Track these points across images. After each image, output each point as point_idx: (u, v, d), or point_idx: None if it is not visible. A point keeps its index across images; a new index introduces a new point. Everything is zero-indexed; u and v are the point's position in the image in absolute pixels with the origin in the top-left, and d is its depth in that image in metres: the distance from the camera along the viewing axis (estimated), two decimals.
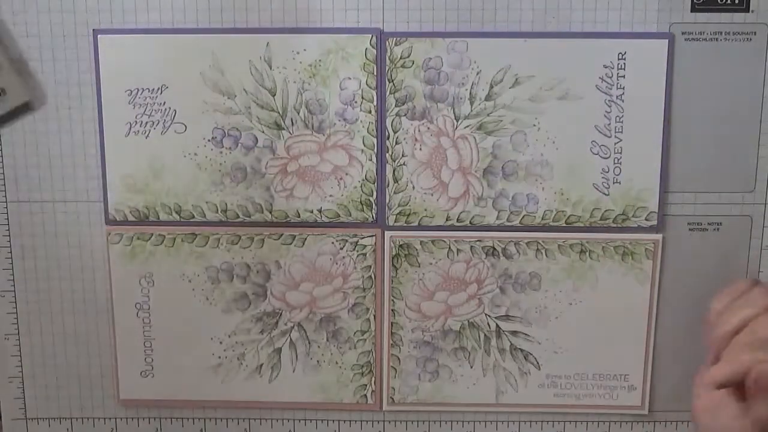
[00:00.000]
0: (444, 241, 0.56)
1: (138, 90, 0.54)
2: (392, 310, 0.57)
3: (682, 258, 0.56)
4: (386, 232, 0.56)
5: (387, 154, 0.55)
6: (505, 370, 0.58)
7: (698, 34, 0.53)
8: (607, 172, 0.54)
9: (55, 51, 0.54)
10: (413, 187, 0.55)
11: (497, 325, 0.57)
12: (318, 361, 0.58)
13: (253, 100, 0.54)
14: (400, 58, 0.53)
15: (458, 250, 0.56)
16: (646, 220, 0.55)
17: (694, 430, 0.56)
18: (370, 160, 0.55)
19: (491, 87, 0.53)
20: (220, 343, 0.58)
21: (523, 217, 0.55)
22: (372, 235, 0.56)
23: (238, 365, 0.58)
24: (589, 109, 0.53)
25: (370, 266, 0.56)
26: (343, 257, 0.56)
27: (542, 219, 0.55)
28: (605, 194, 0.55)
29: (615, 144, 0.54)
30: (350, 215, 0.56)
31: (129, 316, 0.57)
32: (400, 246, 0.56)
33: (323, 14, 0.53)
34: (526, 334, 0.57)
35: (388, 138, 0.54)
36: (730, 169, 0.55)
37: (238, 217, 0.56)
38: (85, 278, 0.57)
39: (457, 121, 0.54)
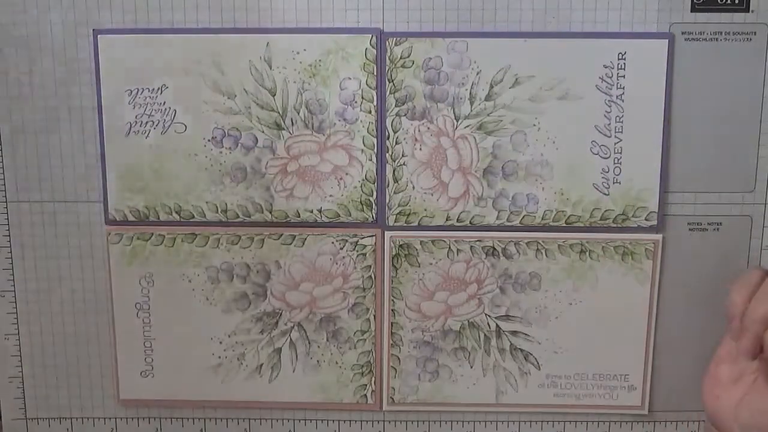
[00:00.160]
0: (444, 241, 0.56)
1: (138, 90, 0.54)
2: (392, 310, 0.57)
3: (682, 258, 0.56)
4: (386, 232, 0.56)
5: (387, 154, 0.55)
6: (505, 370, 0.58)
7: (698, 34, 0.53)
8: (607, 172, 0.54)
9: (55, 51, 0.54)
10: (413, 187, 0.55)
11: (497, 325, 0.57)
12: (318, 361, 0.58)
13: (253, 100, 0.54)
14: (400, 58, 0.53)
15: (458, 250, 0.56)
16: (646, 220, 0.55)
17: (705, 430, 0.56)
18: (370, 160, 0.55)
19: (491, 87, 0.53)
20: (220, 343, 0.58)
21: (523, 217, 0.55)
22: (372, 235, 0.56)
23: (238, 365, 0.58)
24: (589, 109, 0.53)
25: (370, 266, 0.56)
26: (343, 257, 0.56)
27: (542, 219, 0.55)
28: (605, 194, 0.55)
29: (615, 144, 0.54)
30: (350, 215, 0.56)
31: (129, 316, 0.57)
32: (400, 246, 0.56)
33: (323, 14, 0.53)
34: (526, 334, 0.57)
35: (388, 138, 0.54)
36: (730, 169, 0.55)
37: (238, 217, 0.56)
38: (85, 278, 0.57)
39: (457, 121, 0.54)
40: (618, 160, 0.54)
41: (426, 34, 0.53)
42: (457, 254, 0.56)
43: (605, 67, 0.53)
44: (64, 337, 0.58)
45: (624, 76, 0.53)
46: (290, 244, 0.56)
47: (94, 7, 0.53)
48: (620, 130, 0.54)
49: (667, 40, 0.52)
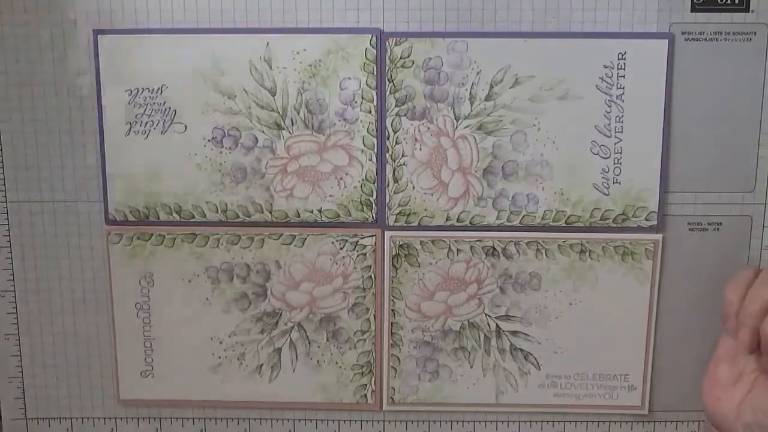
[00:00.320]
0: (444, 241, 0.56)
1: (138, 90, 0.54)
2: (392, 310, 0.57)
3: (682, 258, 0.56)
4: (386, 232, 0.56)
5: (387, 154, 0.55)
6: (505, 370, 0.58)
7: (698, 34, 0.53)
8: (607, 172, 0.54)
9: (55, 51, 0.54)
10: (413, 187, 0.55)
11: (497, 325, 0.57)
12: (318, 361, 0.58)
13: (253, 100, 0.54)
14: (400, 58, 0.53)
15: (458, 250, 0.56)
16: (646, 220, 0.55)
17: (705, 430, 0.56)
18: (370, 160, 0.55)
19: (491, 87, 0.53)
20: (220, 343, 0.58)
21: (523, 217, 0.55)
22: (372, 235, 0.56)
23: (238, 365, 0.58)
24: (589, 109, 0.53)
25: (370, 266, 0.56)
26: (343, 257, 0.56)
27: (542, 219, 0.55)
28: (605, 194, 0.55)
29: (615, 144, 0.54)
30: (350, 215, 0.56)
31: (129, 316, 0.57)
32: (400, 246, 0.56)
33: (323, 14, 0.53)
34: (526, 334, 0.57)
35: (388, 138, 0.54)
36: (730, 169, 0.55)
37: (238, 217, 0.56)
38: (85, 278, 0.57)
39: (457, 121, 0.54)
40: (618, 160, 0.54)
41: (426, 34, 0.53)
42: (457, 254, 0.56)
43: (605, 67, 0.53)
44: (64, 337, 0.58)
45: (624, 76, 0.53)
46: (290, 244, 0.56)
47: (94, 7, 0.53)
48: (620, 130, 0.54)
49: (667, 40, 0.52)
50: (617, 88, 0.53)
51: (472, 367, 0.58)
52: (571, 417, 0.59)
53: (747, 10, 0.52)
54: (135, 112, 0.54)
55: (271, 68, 0.53)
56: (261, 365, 0.58)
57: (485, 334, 0.57)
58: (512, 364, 0.57)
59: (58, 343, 0.59)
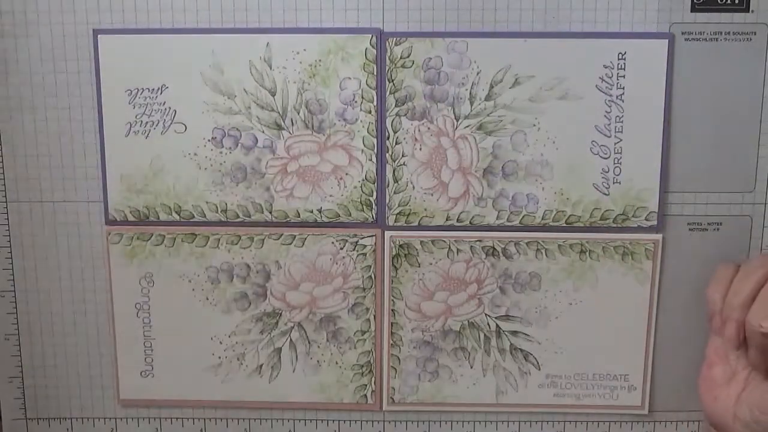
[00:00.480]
0: (444, 241, 0.56)
1: (138, 90, 0.54)
2: (392, 310, 0.57)
3: (682, 258, 0.56)
4: (386, 232, 0.56)
5: (387, 154, 0.55)
6: (505, 370, 0.58)
7: (698, 34, 0.53)
8: (607, 172, 0.54)
9: (55, 51, 0.54)
10: (413, 187, 0.55)
11: (497, 325, 0.57)
12: (318, 361, 0.58)
13: (253, 100, 0.54)
14: (400, 58, 0.53)
15: (458, 250, 0.56)
16: (646, 220, 0.55)
17: (704, 430, 0.56)
18: (370, 160, 0.55)
19: (491, 87, 0.53)
20: (220, 343, 0.58)
21: (523, 217, 0.55)
22: (372, 235, 0.56)
23: (238, 365, 0.58)
24: (589, 109, 0.53)
25: (370, 266, 0.56)
26: (343, 257, 0.56)
27: (542, 219, 0.55)
28: (605, 194, 0.55)
29: (615, 144, 0.54)
30: (350, 215, 0.56)
31: (129, 316, 0.57)
32: (400, 246, 0.56)
33: (323, 14, 0.53)
34: (526, 334, 0.57)
35: (388, 138, 0.54)
36: (730, 169, 0.55)
37: (238, 217, 0.56)
38: (85, 278, 0.57)
39: (457, 121, 0.54)
40: (618, 160, 0.54)
41: (426, 34, 0.53)
42: (457, 254, 0.56)
43: (605, 67, 0.53)
44: (64, 337, 0.58)
45: (624, 76, 0.53)
46: (290, 244, 0.56)
47: (94, 7, 0.53)
48: (620, 130, 0.54)
49: (667, 40, 0.52)
50: (617, 88, 0.53)
51: (472, 367, 0.58)
52: (571, 417, 0.59)
53: (747, 10, 0.52)
54: (135, 112, 0.54)
55: (271, 68, 0.53)
56: (261, 365, 0.58)
57: (485, 334, 0.57)
58: (512, 364, 0.57)
59: (58, 343, 0.59)
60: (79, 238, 0.57)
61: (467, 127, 0.54)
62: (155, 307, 0.57)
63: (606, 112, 0.53)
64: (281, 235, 0.56)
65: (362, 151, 0.54)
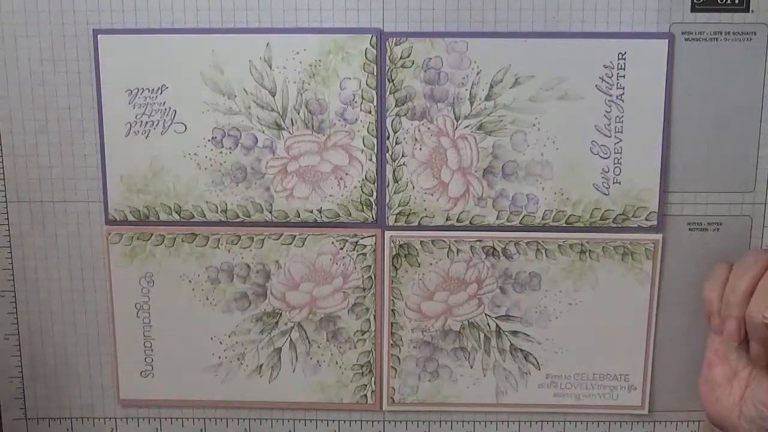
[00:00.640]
0: (444, 241, 0.56)
1: (138, 90, 0.54)
2: (392, 310, 0.57)
3: (682, 258, 0.56)
4: (386, 232, 0.56)
5: (387, 154, 0.55)
6: (505, 370, 0.58)
7: (698, 34, 0.53)
8: (607, 172, 0.54)
9: (55, 51, 0.54)
10: (413, 187, 0.55)
11: (497, 325, 0.57)
12: (318, 361, 0.58)
13: (253, 100, 0.54)
14: (400, 58, 0.53)
15: (458, 250, 0.56)
16: (646, 220, 0.55)
17: (705, 430, 0.56)
18: (370, 160, 0.55)
19: (491, 87, 0.53)
20: (220, 343, 0.58)
21: (523, 217, 0.55)
22: (372, 235, 0.56)
23: (238, 365, 0.58)
24: (589, 109, 0.53)
25: (370, 266, 0.56)
26: (343, 257, 0.56)
27: (542, 219, 0.55)
28: (605, 194, 0.55)
29: (615, 144, 0.54)
30: (350, 215, 0.56)
31: (129, 316, 0.57)
32: (400, 246, 0.56)
33: (323, 14, 0.53)
34: (526, 334, 0.57)
35: (388, 138, 0.54)
36: (730, 169, 0.55)
37: (238, 217, 0.56)
38: (85, 278, 0.57)
39: (457, 121, 0.54)
40: (618, 160, 0.54)
41: (426, 34, 0.53)
42: (457, 254, 0.56)
43: (605, 67, 0.53)
44: (64, 337, 0.58)
45: (624, 76, 0.53)
46: (290, 244, 0.56)
47: (94, 7, 0.53)
48: (620, 130, 0.54)
49: (667, 40, 0.52)
50: (617, 88, 0.53)
51: (472, 367, 0.58)
52: (571, 417, 0.59)
53: (747, 10, 0.52)
54: (135, 112, 0.54)
55: (271, 68, 0.53)
56: (261, 365, 0.58)
57: (485, 334, 0.57)
58: (512, 364, 0.57)
59: (58, 343, 0.59)
60: (79, 238, 0.57)
61: (467, 127, 0.54)
62: (155, 307, 0.57)
63: (606, 112, 0.53)
64: (281, 235, 0.56)
65: (362, 151, 0.54)
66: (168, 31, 0.53)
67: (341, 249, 0.56)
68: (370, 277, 0.56)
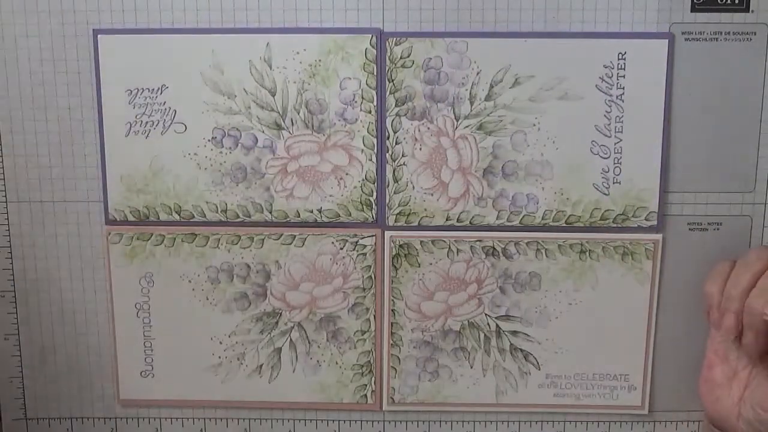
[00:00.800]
0: (444, 241, 0.56)
1: (138, 90, 0.54)
2: (392, 310, 0.57)
3: (682, 258, 0.56)
4: (386, 232, 0.56)
5: (387, 154, 0.55)
6: (505, 370, 0.58)
7: (698, 34, 0.53)
8: (607, 172, 0.54)
9: (55, 51, 0.54)
10: (413, 187, 0.55)
11: (497, 325, 0.57)
12: (318, 361, 0.58)
13: (253, 100, 0.54)
14: (400, 58, 0.53)
15: (458, 250, 0.56)
16: (646, 220, 0.55)
17: (704, 430, 0.56)
18: (370, 160, 0.55)
19: (491, 87, 0.53)
20: (220, 343, 0.58)
21: (523, 217, 0.55)
22: (372, 235, 0.56)
23: (238, 365, 0.58)
24: (589, 109, 0.53)
25: (370, 266, 0.56)
26: (343, 257, 0.56)
27: (542, 219, 0.55)
28: (605, 194, 0.55)
29: (615, 144, 0.54)
30: (350, 215, 0.56)
31: (129, 316, 0.57)
32: (400, 246, 0.56)
33: (323, 14, 0.53)
34: (526, 334, 0.57)
35: (388, 138, 0.54)
36: (730, 169, 0.55)
37: (238, 217, 0.56)
38: (85, 278, 0.57)
39: (457, 121, 0.54)
40: (618, 160, 0.54)
41: (426, 34, 0.53)
42: (457, 254, 0.56)
43: (605, 67, 0.53)
44: (64, 337, 0.58)
45: (624, 76, 0.53)
46: (290, 244, 0.56)
47: (94, 7, 0.53)
48: (620, 130, 0.54)
49: (667, 40, 0.52)
50: (617, 88, 0.53)
51: (472, 367, 0.58)
52: (571, 417, 0.59)
53: (747, 10, 0.52)
54: (135, 112, 0.54)
55: (271, 68, 0.53)
56: (261, 365, 0.58)
57: (485, 334, 0.57)
58: (512, 364, 0.57)
59: (58, 343, 0.59)
60: (79, 238, 0.57)
61: (467, 127, 0.54)
62: (155, 307, 0.57)
63: (606, 112, 0.53)
64: (281, 235, 0.56)
65: (362, 151, 0.54)
66: (168, 31, 0.53)
67: (341, 249, 0.56)
68: (370, 277, 0.56)
